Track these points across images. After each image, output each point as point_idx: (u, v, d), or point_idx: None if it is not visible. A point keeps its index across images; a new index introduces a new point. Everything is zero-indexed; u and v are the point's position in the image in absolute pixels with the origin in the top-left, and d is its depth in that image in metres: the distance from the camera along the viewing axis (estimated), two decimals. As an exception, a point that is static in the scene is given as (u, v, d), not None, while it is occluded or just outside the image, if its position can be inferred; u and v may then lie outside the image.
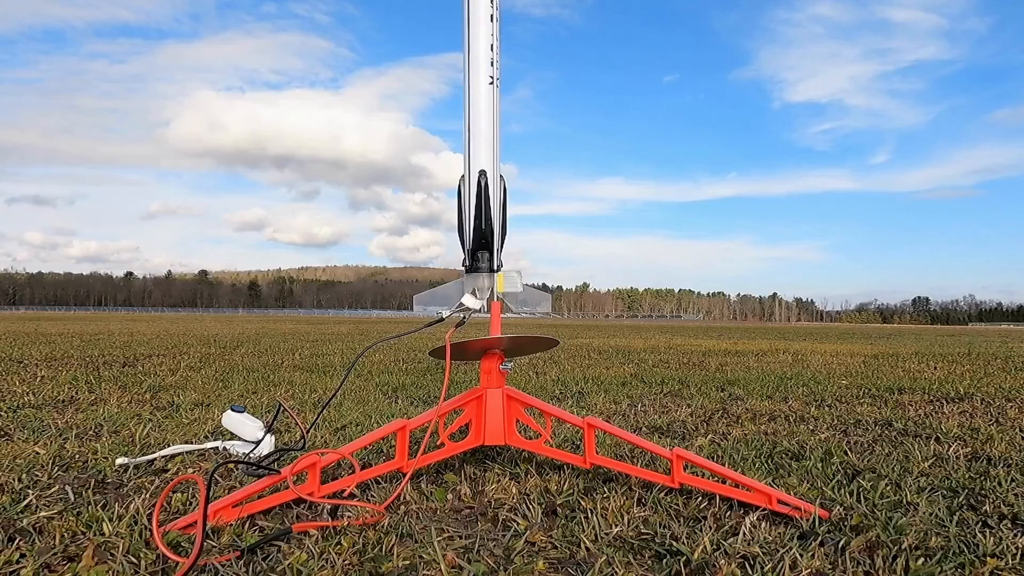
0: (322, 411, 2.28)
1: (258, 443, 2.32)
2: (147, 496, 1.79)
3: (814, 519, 1.65)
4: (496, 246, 2.09)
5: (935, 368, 6.62)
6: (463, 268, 2.12)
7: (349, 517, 1.65)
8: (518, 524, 1.63)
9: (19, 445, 2.42)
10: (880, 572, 1.37)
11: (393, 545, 1.47)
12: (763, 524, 1.63)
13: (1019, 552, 1.47)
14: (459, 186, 2.11)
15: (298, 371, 5.43)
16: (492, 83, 2.08)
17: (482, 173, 2.05)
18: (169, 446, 2.39)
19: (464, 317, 2.05)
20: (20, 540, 1.46)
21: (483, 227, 2.03)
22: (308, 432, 2.26)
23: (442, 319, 1.98)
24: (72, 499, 1.78)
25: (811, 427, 3.08)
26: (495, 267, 2.09)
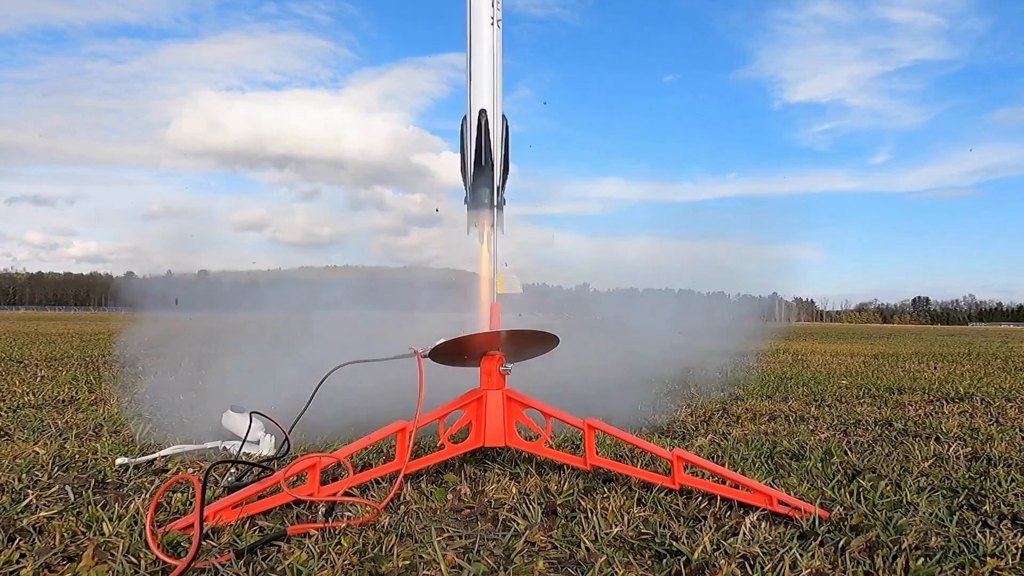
0: (296, 423, 2.22)
1: (245, 441, 2.32)
2: (147, 496, 1.79)
3: (814, 519, 1.65)
4: (497, 183, 2.13)
5: (935, 368, 6.62)
6: (464, 204, 2.16)
7: (349, 517, 1.65)
8: (518, 524, 1.63)
9: (19, 445, 2.42)
10: (880, 572, 1.37)
11: (393, 545, 1.47)
12: (763, 524, 1.63)
13: (1019, 552, 1.47)
14: (461, 126, 2.16)
15: (298, 371, 5.42)
16: (493, 23, 2.11)
17: (482, 112, 2.10)
18: (169, 446, 2.39)
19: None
20: (20, 540, 1.46)
21: (483, 163, 2.08)
22: (290, 432, 2.25)
23: (413, 353, 2.02)
24: (72, 499, 1.78)
25: (811, 427, 3.08)
26: (496, 203, 2.14)
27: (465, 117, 2.16)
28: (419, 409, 1.93)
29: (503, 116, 2.16)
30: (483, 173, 2.09)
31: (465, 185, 2.18)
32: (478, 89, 2.11)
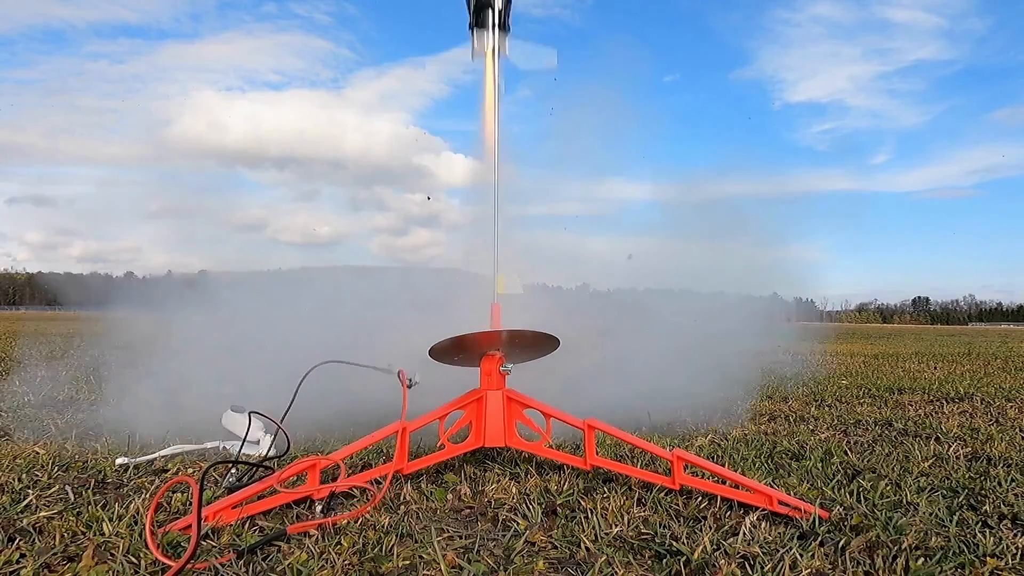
0: (283, 418, 2.22)
1: (245, 441, 2.32)
2: (147, 496, 1.79)
3: (814, 519, 1.64)
4: (500, 4, 2.20)
5: (935, 368, 6.62)
6: (469, 28, 2.24)
7: (346, 513, 1.64)
8: (518, 524, 1.63)
9: (19, 445, 2.42)
10: (880, 572, 1.37)
11: (393, 545, 1.47)
12: (763, 524, 1.63)
13: (1019, 552, 1.47)
14: None
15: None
16: None
17: None
18: (169, 446, 2.39)
19: (414, 382, 2.11)
20: (20, 540, 1.46)
21: None
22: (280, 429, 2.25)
23: (390, 367, 2.08)
24: (72, 499, 1.78)
25: (811, 427, 3.08)
26: (499, 24, 2.20)
27: None
28: (403, 416, 1.96)
29: None
30: None
31: (469, 9, 2.24)
32: None
